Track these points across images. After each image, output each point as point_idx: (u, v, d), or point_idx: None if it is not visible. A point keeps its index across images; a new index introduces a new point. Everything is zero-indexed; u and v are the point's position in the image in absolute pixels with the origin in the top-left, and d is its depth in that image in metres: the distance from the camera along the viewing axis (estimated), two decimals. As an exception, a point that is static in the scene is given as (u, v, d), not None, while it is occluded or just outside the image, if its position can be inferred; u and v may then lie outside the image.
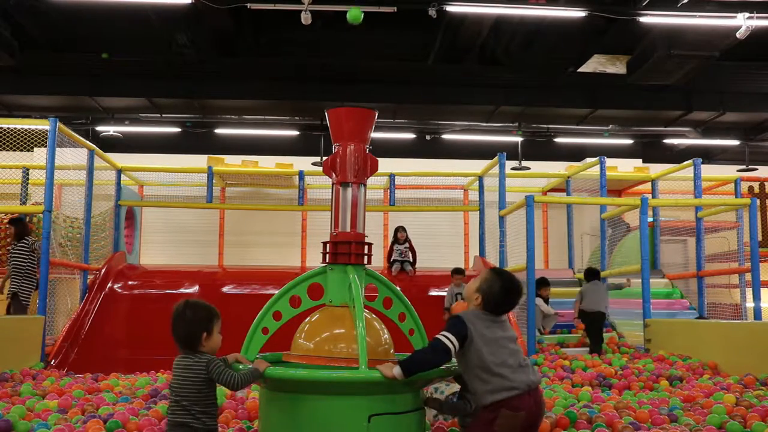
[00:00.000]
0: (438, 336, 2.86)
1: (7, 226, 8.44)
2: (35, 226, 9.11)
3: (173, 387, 2.92)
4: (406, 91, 14.25)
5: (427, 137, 15.26)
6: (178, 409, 2.87)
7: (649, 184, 11.62)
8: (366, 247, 3.54)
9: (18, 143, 8.83)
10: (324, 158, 3.80)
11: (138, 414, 4.27)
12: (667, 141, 15.79)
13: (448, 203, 12.14)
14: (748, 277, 9.01)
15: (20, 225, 8.12)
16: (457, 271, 8.63)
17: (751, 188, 13.01)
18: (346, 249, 3.47)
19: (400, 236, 9.80)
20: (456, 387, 3.32)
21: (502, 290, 2.94)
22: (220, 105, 14.73)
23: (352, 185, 3.57)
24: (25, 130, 8.90)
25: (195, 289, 8.89)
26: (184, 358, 2.94)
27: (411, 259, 9.81)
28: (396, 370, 2.86)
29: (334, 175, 3.59)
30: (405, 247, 9.81)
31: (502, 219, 9.39)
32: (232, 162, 12.53)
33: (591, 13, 10.19)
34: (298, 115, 14.79)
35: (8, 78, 13.20)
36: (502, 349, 2.89)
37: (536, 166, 13.86)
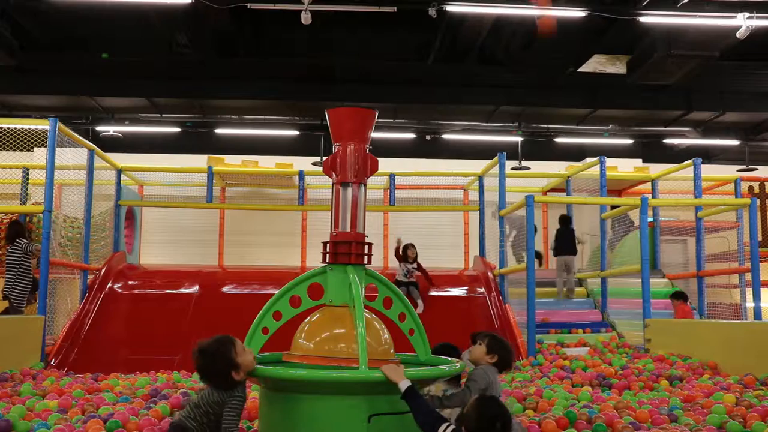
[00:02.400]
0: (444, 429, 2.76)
1: (5, 229, 8.39)
2: (35, 226, 9.10)
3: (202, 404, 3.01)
4: (406, 91, 14.26)
5: (427, 137, 15.27)
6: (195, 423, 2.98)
7: (649, 184, 11.61)
8: (366, 247, 3.54)
9: (18, 143, 8.82)
10: (324, 158, 3.80)
11: (138, 414, 4.27)
12: (667, 141, 15.80)
13: (448, 203, 12.13)
14: (748, 277, 9.00)
15: (14, 227, 8.02)
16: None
17: (751, 188, 13.01)
18: (346, 249, 3.47)
19: (410, 253, 8.79)
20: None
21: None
22: (220, 105, 14.73)
23: (352, 185, 3.57)
24: (25, 130, 8.89)
25: (195, 289, 8.89)
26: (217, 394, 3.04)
27: (417, 283, 8.80)
28: (402, 385, 2.87)
29: (334, 175, 3.59)
30: (413, 267, 8.81)
31: (502, 219, 9.39)
32: (232, 162, 12.52)
33: (591, 13, 10.19)
34: (298, 115, 14.79)
35: (8, 78, 13.20)
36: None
37: (536, 166, 13.86)
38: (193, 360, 3.05)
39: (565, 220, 10.43)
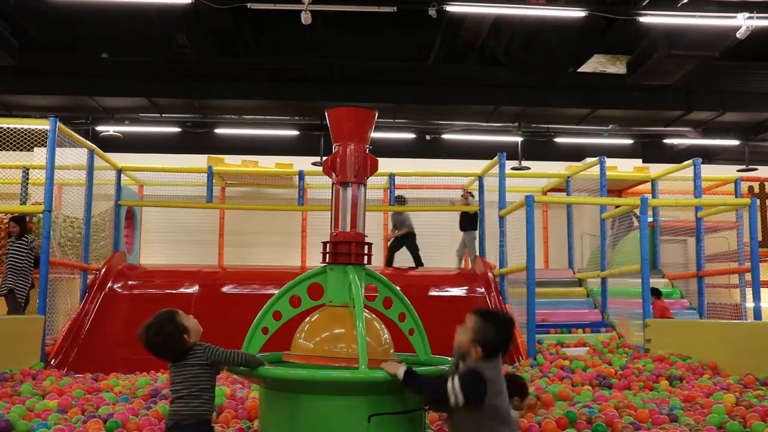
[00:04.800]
0: (453, 384, 2.73)
1: (9, 224, 8.41)
2: (35, 225, 9.10)
3: (172, 380, 3.00)
4: (406, 91, 14.25)
5: (427, 137, 15.26)
6: (175, 400, 2.96)
7: (649, 184, 11.61)
8: (366, 247, 3.54)
9: (18, 143, 8.82)
10: (324, 158, 3.80)
11: (138, 414, 4.27)
12: (667, 141, 15.80)
13: (448, 203, 12.13)
14: (748, 277, 9.00)
15: (23, 223, 8.11)
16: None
17: (751, 188, 13.01)
18: (346, 249, 3.47)
19: None
20: None
21: (498, 335, 2.84)
22: (220, 105, 14.73)
23: (352, 185, 3.57)
24: (25, 130, 8.90)
25: (195, 289, 8.88)
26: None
27: None
28: (400, 371, 2.87)
29: (334, 175, 3.59)
30: None
31: (502, 219, 9.39)
32: (232, 162, 12.52)
33: (591, 13, 10.19)
34: (298, 115, 14.79)
35: (8, 78, 13.20)
36: (506, 399, 2.87)
37: (536, 166, 13.86)
38: (141, 341, 3.06)
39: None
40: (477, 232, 10.69)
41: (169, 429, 2.96)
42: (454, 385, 2.73)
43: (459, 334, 2.86)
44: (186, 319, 3.05)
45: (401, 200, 11.04)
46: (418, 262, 10.87)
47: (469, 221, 10.95)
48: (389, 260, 10.95)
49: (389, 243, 11.12)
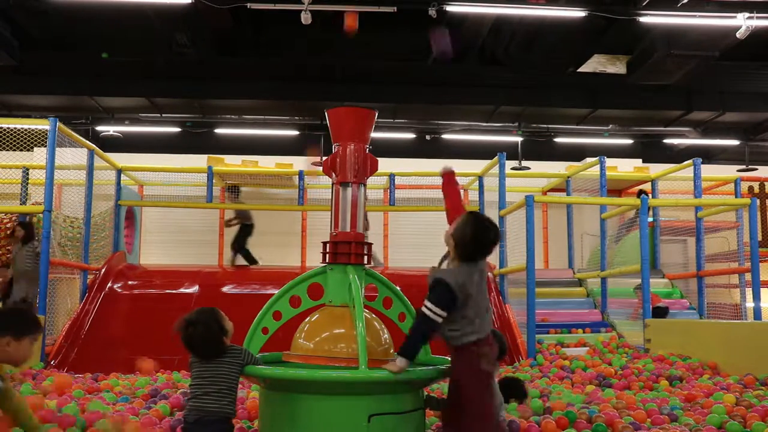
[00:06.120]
0: (423, 309, 2.86)
1: (15, 228, 8.42)
2: (35, 226, 9.10)
3: (199, 374, 3.05)
4: (406, 91, 14.25)
5: (427, 137, 15.26)
6: (201, 395, 3.01)
7: (649, 184, 11.61)
8: (366, 247, 3.54)
9: (18, 143, 8.82)
10: (324, 158, 3.80)
11: (138, 414, 4.26)
12: (667, 141, 15.80)
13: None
14: (748, 277, 9.00)
15: (30, 229, 8.10)
16: None
17: (751, 188, 13.00)
18: (346, 249, 3.47)
19: None
20: None
21: (474, 235, 2.89)
22: (220, 105, 14.73)
23: (352, 185, 3.57)
24: (25, 130, 8.89)
25: (195, 289, 8.88)
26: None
27: None
28: (398, 361, 2.89)
29: (334, 175, 3.59)
30: None
31: (502, 219, 9.39)
32: (232, 162, 12.51)
33: (591, 13, 10.20)
34: (298, 115, 14.78)
35: (8, 78, 13.20)
36: (483, 301, 2.94)
37: (536, 166, 13.85)
38: (180, 333, 3.08)
39: None
40: None
41: (192, 423, 3.01)
42: (426, 305, 2.82)
43: (447, 231, 2.95)
44: (226, 321, 3.12)
45: (235, 190, 10.92)
46: (251, 260, 10.67)
47: None
48: (249, 259, 10.71)
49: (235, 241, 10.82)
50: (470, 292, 2.89)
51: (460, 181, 11.87)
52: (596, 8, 10.29)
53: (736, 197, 10.80)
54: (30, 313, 3.21)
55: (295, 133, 14.96)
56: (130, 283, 9.01)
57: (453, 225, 2.94)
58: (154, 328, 8.08)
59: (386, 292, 3.65)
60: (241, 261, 10.84)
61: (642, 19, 10.46)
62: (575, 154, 15.01)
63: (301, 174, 10.93)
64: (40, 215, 7.75)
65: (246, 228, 10.91)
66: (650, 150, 15.81)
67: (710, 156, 16.47)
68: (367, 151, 3.62)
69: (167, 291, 8.93)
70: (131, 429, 3.56)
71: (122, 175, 10.22)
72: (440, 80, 14.06)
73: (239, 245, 10.83)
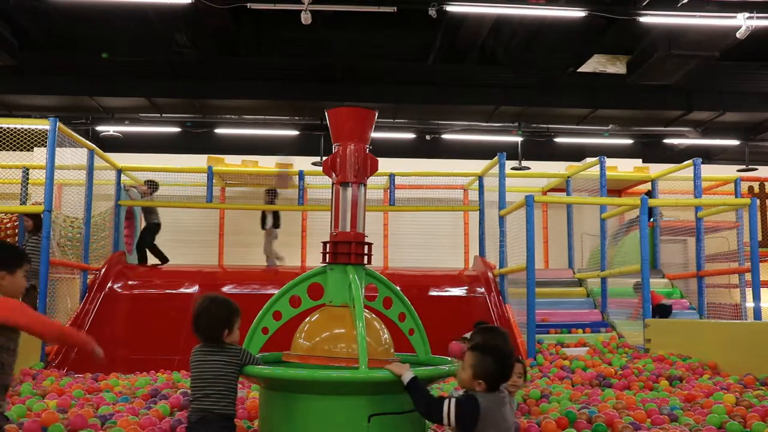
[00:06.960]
0: (449, 405, 2.75)
1: (24, 218, 8.41)
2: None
3: (198, 376, 3.04)
4: (406, 91, 14.25)
5: (427, 137, 15.26)
6: (202, 397, 3.00)
7: (649, 184, 11.61)
8: (366, 247, 3.54)
9: (18, 143, 8.81)
10: (324, 158, 3.80)
11: (138, 414, 4.27)
12: (667, 141, 15.80)
13: (448, 203, 12.13)
14: (748, 277, 9.00)
15: (38, 219, 8.09)
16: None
17: (751, 188, 13.00)
18: (346, 249, 3.47)
19: None
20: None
21: (497, 366, 2.83)
22: (220, 105, 14.73)
23: (352, 185, 3.57)
24: (25, 130, 8.88)
25: (195, 289, 8.88)
26: (209, 350, 3.07)
27: None
28: (406, 376, 2.87)
29: (334, 175, 3.59)
30: None
31: (502, 219, 9.39)
32: (232, 162, 12.52)
33: (591, 13, 10.19)
34: (298, 115, 14.79)
35: (8, 78, 13.21)
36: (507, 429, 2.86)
37: (536, 166, 13.85)
38: (198, 306, 3.09)
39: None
40: None
41: (195, 423, 3.02)
42: (450, 407, 2.75)
43: (460, 372, 2.88)
44: (237, 324, 3.13)
45: (153, 185, 10.70)
46: (143, 258, 10.45)
47: None
48: (160, 257, 10.54)
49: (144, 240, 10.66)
50: (498, 422, 2.79)
51: (461, 181, 11.93)
52: (596, 8, 10.29)
53: (736, 197, 10.80)
54: (14, 246, 3.19)
55: (295, 133, 14.97)
56: (130, 283, 9.02)
57: (468, 366, 2.82)
58: (154, 328, 8.10)
59: (386, 292, 3.65)
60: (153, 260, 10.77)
61: (642, 19, 10.46)
62: (575, 154, 15.01)
63: (301, 174, 10.94)
64: (41, 215, 7.73)
65: (154, 226, 10.77)
66: (650, 150, 15.82)
67: (710, 156, 16.47)
68: (367, 151, 3.62)
69: (167, 291, 8.93)
70: None
71: (122, 175, 10.22)
72: (440, 80, 14.06)
73: (148, 243, 10.65)
